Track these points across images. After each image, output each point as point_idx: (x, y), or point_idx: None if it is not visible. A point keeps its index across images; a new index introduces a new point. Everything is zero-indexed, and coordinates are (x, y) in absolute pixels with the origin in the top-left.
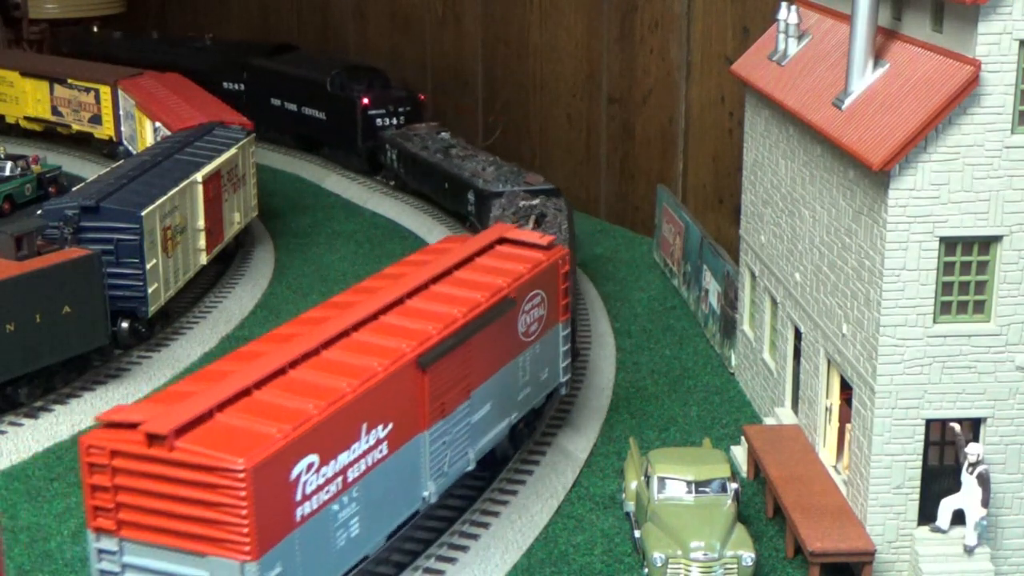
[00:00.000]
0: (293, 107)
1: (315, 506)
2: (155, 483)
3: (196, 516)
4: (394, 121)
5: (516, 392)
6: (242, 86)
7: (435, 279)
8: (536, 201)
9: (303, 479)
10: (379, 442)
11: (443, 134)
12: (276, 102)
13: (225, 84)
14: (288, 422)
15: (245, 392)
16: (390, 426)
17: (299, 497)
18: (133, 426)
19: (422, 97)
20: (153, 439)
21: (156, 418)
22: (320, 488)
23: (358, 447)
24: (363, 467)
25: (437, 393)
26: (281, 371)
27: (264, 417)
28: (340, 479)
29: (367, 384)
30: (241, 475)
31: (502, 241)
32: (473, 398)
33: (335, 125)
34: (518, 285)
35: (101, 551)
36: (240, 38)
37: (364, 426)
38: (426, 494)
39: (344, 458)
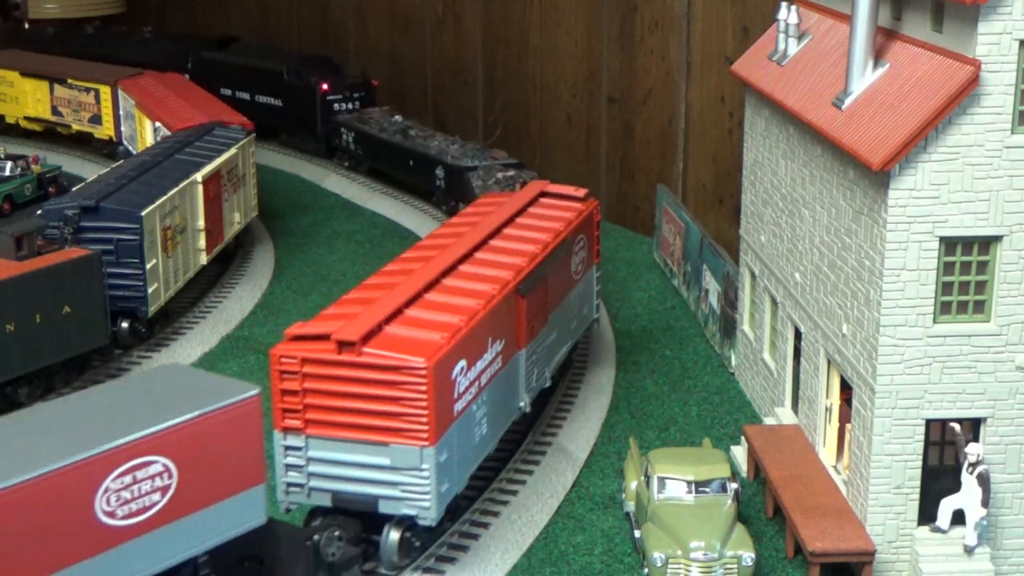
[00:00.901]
0: (246, 96)
1: (463, 404)
2: (343, 384)
3: (381, 410)
4: (349, 106)
5: (570, 321)
6: (187, 76)
7: (504, 225)
8: (512, 172)
9: (458, 380)
10: (497, 355)
11: (396, 117)
12: (227, 92)
13: None
14: (444, 331)
15: (399, 311)
16: (503, 342)
17: (456, 395)
18: (317, 338)
19: (375, 83)
20: (343, 346)
21: (342, 329)
22: (466, 390)
23: (487, 357)
24: (489, 375)
25: (530, 316)
26: (419, 295)
27: (423, 328)
28: (477, 383)
29: (490, 304)
30: (423, 372)
31: (543, 195)
32: (550, 322)
33: (293, 112)
34: (570, 230)
35: (288, 448)
36: (180, 31)
37: (490, 340)
38: (522, 404)
39: (479, 365)
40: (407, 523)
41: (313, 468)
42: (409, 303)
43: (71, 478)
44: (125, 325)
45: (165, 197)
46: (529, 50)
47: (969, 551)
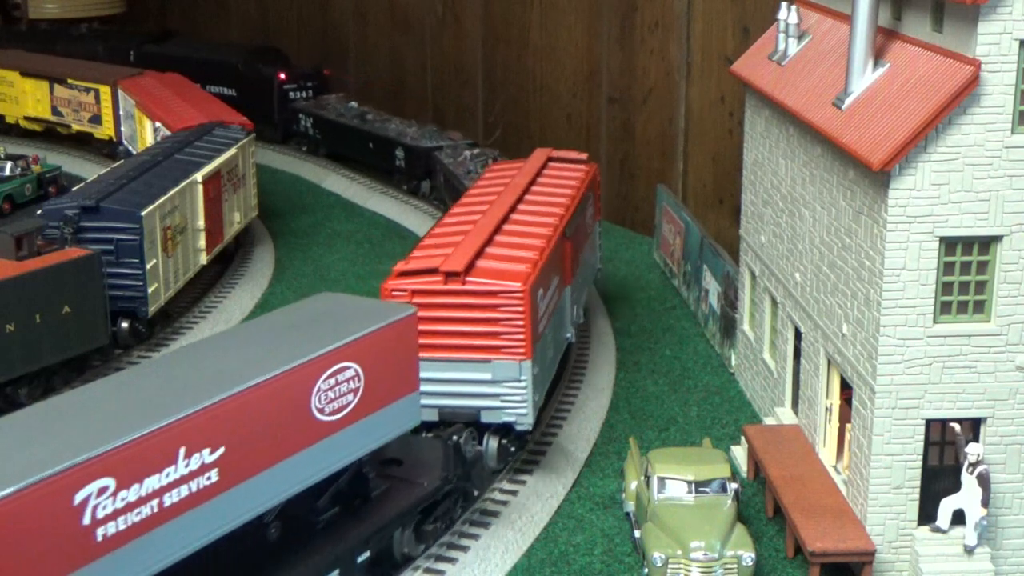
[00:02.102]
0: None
1: (542, 327)
2: (450, 311)
3: (483, 331)
4: (304, 94)
5: (588, 267)
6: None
7: (532, 183)
8: (478, 150)
9: (539, 304)
10: (555, 289)
11: (352, 103)
12: None
13: None
14: (526, 263)
15: (482, 249)
16: (557, 278)
17: (539, 316)
18: (423, 272)
19: (327, 72)
20: (450, 276)
21: (446, 263)
22: (542, 315)
23: (552, 289)
24: (551, 306)
25: (572, 256)
26: (491, 236)
27: (507, 261)
28: (547, 311)
29: (550, 244)
30: (520, 295)
31: (552, 159)
32: (580, 264)
33: (250, 100)
34: (585, 186)
35: None
36: (120, 27)
37: (551, 274)
38: (569, 335)
39: (548, 295)
40: (504, 431)
41: (422, 387)
42: (486, 243)
43: (295, 379)
44: (125, 325)
45: (165, 197)
46: (529, 50)
47: (969, 551)
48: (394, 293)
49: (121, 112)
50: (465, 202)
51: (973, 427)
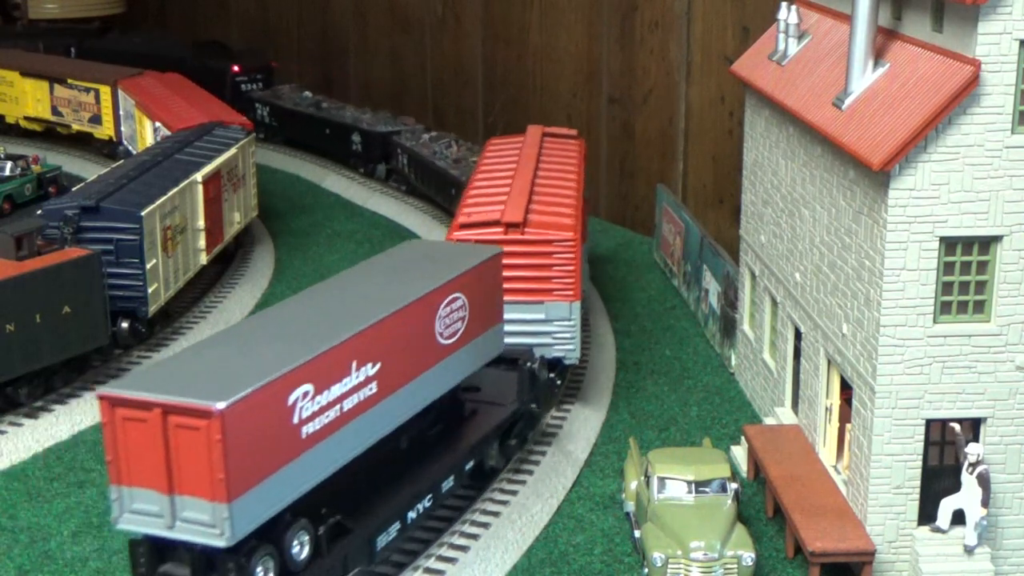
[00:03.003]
0: None
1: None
2: (509, 257)
3: (539, 276)
4: (254, 86)
5: (589, 232)
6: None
7: (540, 154)
8: (435, 133)
9: (580, 252)
10: (582, 242)
11: (306, 93)
12: None
13: None
14: (568, 218)
15: (528, 204)
16: (580, 234)
17: (582, 264)
18: (483, 224)
19: (274, 64)
20: (510, 227)
21: (505, 216)
22: (583, 263)
23: (582, 244)
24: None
25: (585, 215)
26: (530, 196)
27: (552, 215)
28: (583, 261)
29: (577, 203)
30: (573, 244)
31: (547, 135)
32: (587, 226)
33: None
34: (582, 158)
35: None
36: (53, 21)
37: (580, 227)
38: (585, 288)
39: (581, 249)
40: (551, 365)
41: None
42: (528, 201)
43: (426, 305)
44: (125, 325)
45: (165, 197)
46: (529, 50)
47: (969, 551)
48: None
49: (121, 112)
50: (485, 170)
51: (973, 427)
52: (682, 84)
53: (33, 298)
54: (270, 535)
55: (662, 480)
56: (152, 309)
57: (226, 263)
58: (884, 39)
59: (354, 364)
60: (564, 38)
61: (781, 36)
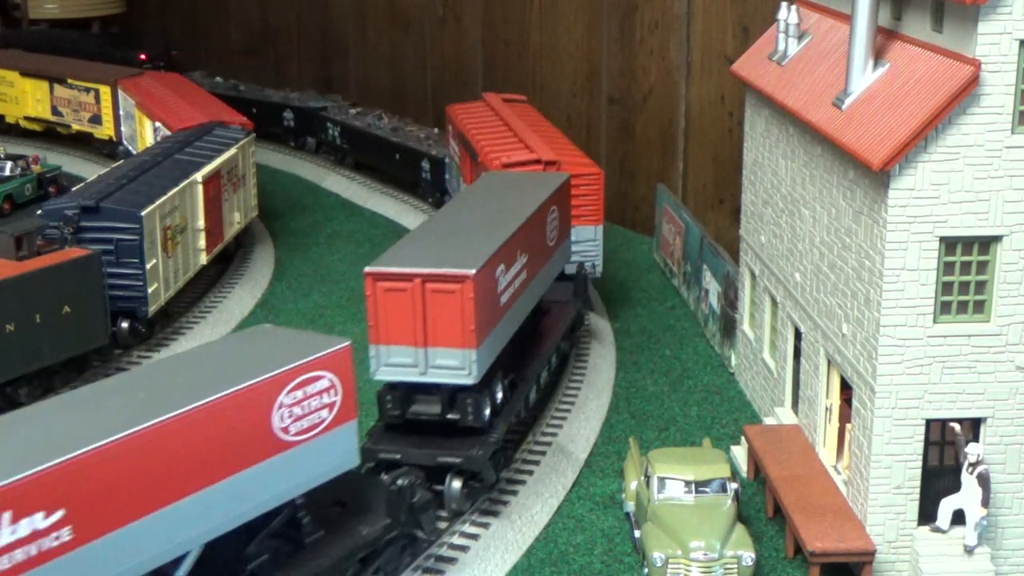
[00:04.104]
0: None
1: None
2: None
3: (577, 204)
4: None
5: None
6: None
7: (511, 114)
8: (361, 108)
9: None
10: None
11: (217, 79)
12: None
13: None
14: (585, 158)
15: (553, 145)
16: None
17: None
18: (524, 163)
19: (176, 53)
20: (548, 164)
21: (543, 155)
22: None
23: None
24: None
25: None
26: (539, 143)
27: (570, 155)
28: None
29: (574, 148)
30: (599, 177)
31: (504, 100)
32: None
33: None
34: (541, 116)
35: None
36: None
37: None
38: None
39: None
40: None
41: None
42: (546, 145)
43: (542, 214)
44: (125, 325)
45: (165, 197)
46: (529, 50)
47: (969, 551)
48: None
49: (121, 112)
50: (475, 128)
51: (973, 427)
52: (682, 84)
53: (33, 298)
54: (484, 383)
55: (662, 480)
56: (152, 309)
57: (226, 263)
58: (884, 39)
59: (518, 253)
60: (564, 38)
61: (781, 36)
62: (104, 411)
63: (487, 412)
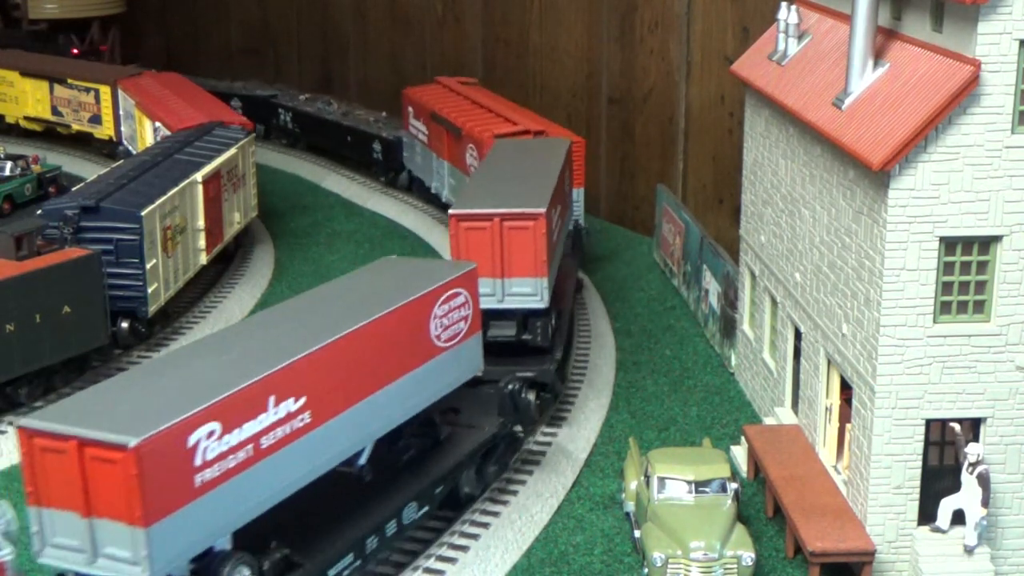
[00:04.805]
0: None
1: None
2: None
3: None
4: None
5: None
6: None
7: (476, 92)
8: (311, 96)
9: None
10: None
11: (152, 69)
12: None
13: None
14: (562, 129)
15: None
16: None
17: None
18: (517, 133)
19: (104, 47)
20: (537, 134)
21: (531, 126)
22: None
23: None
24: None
25: None
26: (518, 117)
27: (548, 128)
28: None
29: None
30: (579, 145)
31: (460, 82)
32: None
33: None
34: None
35: None
36: None
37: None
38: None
39: None
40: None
41: None
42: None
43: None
44: (125, 325)
45: (165, 197)
46: (529, 50)
47: (969, 551)
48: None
49: (121, 112)
50: (447, 107)
51: (973, 427)
52: (682, 84)
53: (33, 298)
54: (548, 308)
55: (662, 480)
56: (152, 309)
57: (226, 263)
58: (884, 39)
59: (556, 202)
60: (564, 38)
61: (781, 36)
62: (304, 326)
63: (552, 333)
